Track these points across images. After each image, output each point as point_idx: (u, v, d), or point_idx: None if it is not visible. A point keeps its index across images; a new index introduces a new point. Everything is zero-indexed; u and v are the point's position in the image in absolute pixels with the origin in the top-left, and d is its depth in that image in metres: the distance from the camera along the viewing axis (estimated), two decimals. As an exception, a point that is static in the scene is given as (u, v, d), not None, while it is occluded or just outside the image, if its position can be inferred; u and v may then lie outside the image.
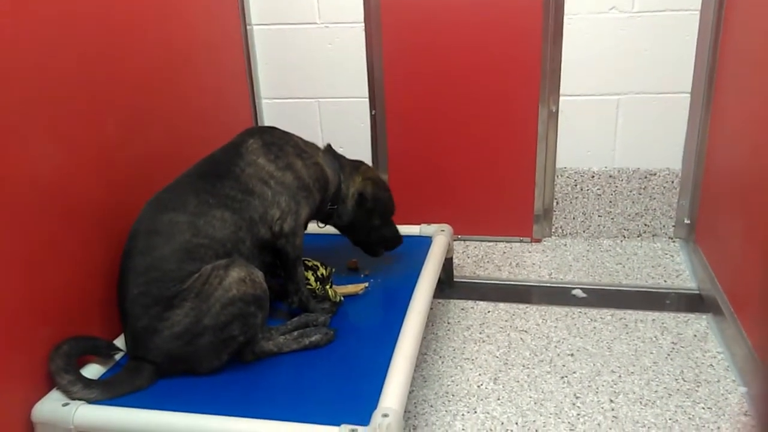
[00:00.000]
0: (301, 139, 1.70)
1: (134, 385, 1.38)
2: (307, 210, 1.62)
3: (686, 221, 2.33)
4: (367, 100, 2.45)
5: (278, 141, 1.62)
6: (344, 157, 1.80)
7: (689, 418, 1.51)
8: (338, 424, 1.20)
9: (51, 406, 1.31)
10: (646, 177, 2.33)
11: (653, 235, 2.40)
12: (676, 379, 1.65)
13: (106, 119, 1.56)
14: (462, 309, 2.03)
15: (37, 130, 1.34)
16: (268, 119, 2.53)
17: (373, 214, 1.78)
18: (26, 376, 1.32)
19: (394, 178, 2.50)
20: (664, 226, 2.38)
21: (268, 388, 1.40)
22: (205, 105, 2.09)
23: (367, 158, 2.48)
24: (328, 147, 1.78)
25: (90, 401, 1.32)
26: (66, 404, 1.30)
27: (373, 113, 2.45)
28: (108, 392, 1.35)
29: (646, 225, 2.40)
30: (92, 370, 1.43)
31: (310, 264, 1.72)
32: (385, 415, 1.21)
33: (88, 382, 1.36)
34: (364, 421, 1.20)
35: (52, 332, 1.38)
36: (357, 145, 2.48)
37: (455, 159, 2.45)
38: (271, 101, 2.52)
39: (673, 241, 2.39)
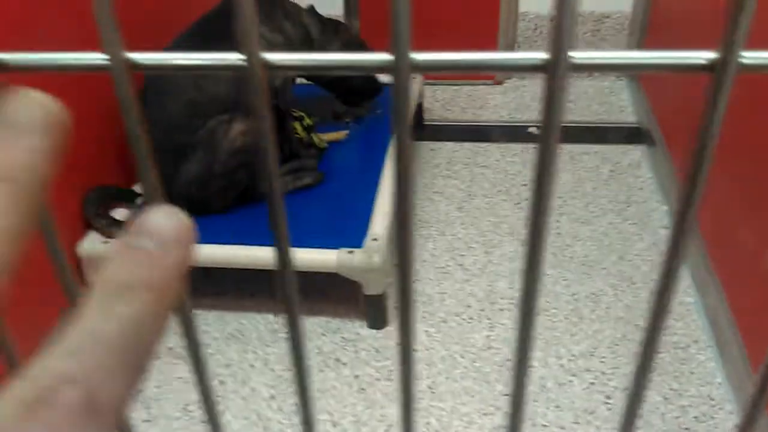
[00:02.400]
0: (287, 0, 1.81)
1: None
2: None
3: (632, 61, 2.55)
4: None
5: (267, 4, 1.74)
6: (325, 18, 1.93)
7: (618, 232, 1.85)
8: (337, 248, 1.48)
9: (92, 244, 1.56)
10: (599, 20, 2.51)
11: (603, 75, 2.63)
12: (611, 201, 1.97)
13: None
14: (431, 149, 2.29)
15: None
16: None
17: None
18: (66, 221, 1.56)
19: (366, 22, 2.62)
20: (612, 66, 2.60)
21: (272, 222, 1.66)
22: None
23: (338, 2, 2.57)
24: (311, 8, 1.90)
25: (124, 238, 1.58)
26: (105, 242, 1.56)
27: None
28: (138, 231, 1.60)
29: (596, 66, 2.61)
30: (119, 214, 1.67)
31: (296, 114, 1.92)
32: (375, 239, 1.50)
33: (121, 224, 1.60)
34: (358, 244, 1.49)
35: (81, 182, 1.60)
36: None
37: (423, 2, 2.57)
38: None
39: (620, 80, 2.63)
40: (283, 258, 0.28)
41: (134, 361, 0.15)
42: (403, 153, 0.24)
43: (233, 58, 0.23)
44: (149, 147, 0.26)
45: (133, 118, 0.25)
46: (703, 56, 0.20)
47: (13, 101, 0.17)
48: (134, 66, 0.24)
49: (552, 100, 0.21)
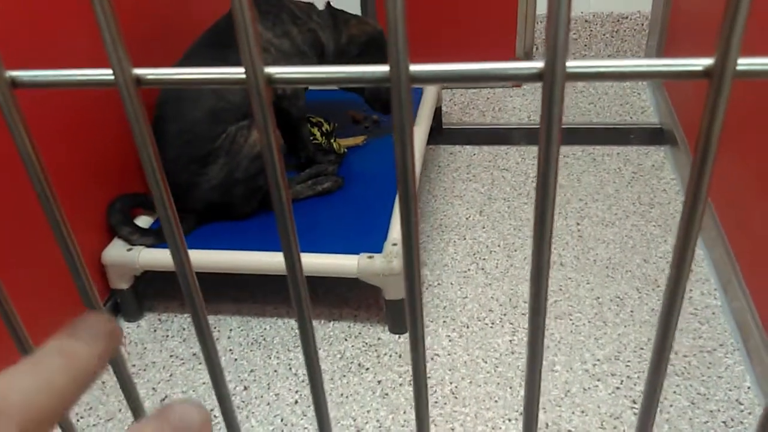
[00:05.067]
0: (295, 4, 1.81)
1: (182, 231, 1.65)
2: None
3: (654, 61, 2.53)
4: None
5: (273, 9, 1.74)
6: (343, 14, 1.88)
7: (642, 234, 1.83)
8: (357, 253, 1.49)
9: (117, 251, 1.58)
10: (618, 20, 2.49)
11: (624, 75, 2.61)
12: (634, 203, 1.95)
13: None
14: (450, 153, 2.29)
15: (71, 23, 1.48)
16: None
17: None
18: (92, 229, 1.59)
19: (383, 22, 2.63)
20: (634, 66, 2.58)
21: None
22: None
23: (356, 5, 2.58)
24: (327, 6, 1.87)
25: (148, 246, 1.60)
26: (129, 249, 1.58)
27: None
28: (161, 238, 1.62)
29: (617, 66, 2.59)
30: (142, 221, 1.70)
31: (314, 120, 1.93)
32: (395, 244, 1.50)
33: (143, 231, 1.63)
34: (378, 249, 1.50)
35: (104, 192, 1.63)
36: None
37: (440, 8, 2.57)
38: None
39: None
40: (293, 265, 0.28)
41: None
42: (406, 165, 0.25)
43: (236, 72, 0.24)
44: (157, 158, 0.27)
45: (141, 131, 0.26)
46: (700, 63, 0.20)
47: (89, 317, 0.25)
48: (140, 81, 0.25)
49: (550, 107, 0.21)
